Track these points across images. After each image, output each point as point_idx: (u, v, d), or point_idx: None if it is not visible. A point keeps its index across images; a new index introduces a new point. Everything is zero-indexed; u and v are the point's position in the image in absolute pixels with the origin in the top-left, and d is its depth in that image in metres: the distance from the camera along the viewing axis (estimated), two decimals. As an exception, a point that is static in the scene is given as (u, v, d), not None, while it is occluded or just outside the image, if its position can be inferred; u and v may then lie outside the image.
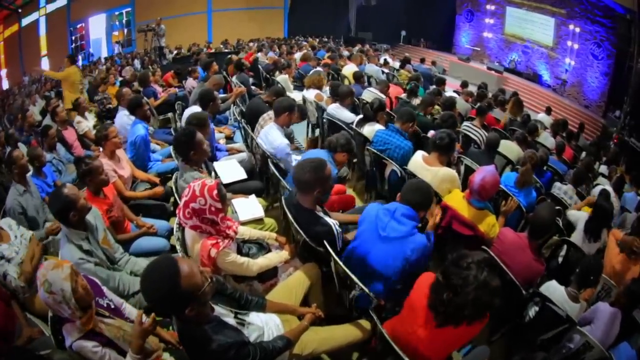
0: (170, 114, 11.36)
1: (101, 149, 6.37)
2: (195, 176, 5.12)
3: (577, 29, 23.92)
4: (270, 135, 6.67)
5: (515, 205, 5.77)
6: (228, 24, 33.35)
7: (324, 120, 8.97)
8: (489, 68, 27.26)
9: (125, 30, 31.14)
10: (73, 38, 28.20)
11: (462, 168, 7.38)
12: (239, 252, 4.46)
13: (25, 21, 25.00)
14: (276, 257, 4.55)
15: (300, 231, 4.36)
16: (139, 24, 27.06)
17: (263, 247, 4.86)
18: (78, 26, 28.45)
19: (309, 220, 4.36)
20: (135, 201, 6.24)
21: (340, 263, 4.01)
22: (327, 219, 4.41)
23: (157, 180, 6.69)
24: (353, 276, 3.85)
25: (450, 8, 32.82)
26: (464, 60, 29.30)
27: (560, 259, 6.18)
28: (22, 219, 5.60)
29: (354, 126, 7.98)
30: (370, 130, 7.53)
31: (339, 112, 8.61)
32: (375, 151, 6.84)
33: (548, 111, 16.79)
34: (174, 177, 5.53)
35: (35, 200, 5.96)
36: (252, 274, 4.28)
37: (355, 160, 8.22)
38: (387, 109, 8.98)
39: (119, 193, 5.81)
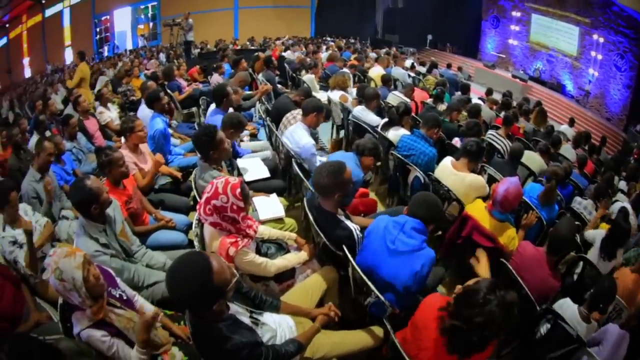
0: (194, 109, 11.36)
1: (123, 141, 6.35)
2: (214, 175, 5.06)
3: (601, 39, 23.61)
4: (296, 134, 6.60)
5: (535, 219, 5.69)
6: (255, 21, 33.66)
7: (349, 122, 8.90)
8: (513, 76, 26.99)
9: (151, 24, 31.73)
10: (97, 30, 28.75)
11: (485, 177, 7.23)
12: (258, 251, 4.43)
13: (49, 12, 25.59)
14: (294, 258, 4.50)
15: (321, 234, 4.33)
16: (165, 18, 27.27)
17: (282, 248, 4.80)
18: (103, 18, 28.97)
19: (329, 223, 4.35)
20: (156, 194, 6.23)
21: (358, 269, 3.95)
22: (348, 223, 4.37)
23: (178, 174, 6.63)
24: (370, 283, 3.80)
25: (477, 13, 32.60)
26: (489, 67, 29.04)
27: (575, 276, 6.06)
28: (36, 203, 5.69)
29: (379, 129, 7.90)
30: (395, 134, 7.46)
31: (365, 114, 8.50)
32: (399, 156, 6.78)
33: (571, 123, 16.61)
34: (193, 173, 5.48)
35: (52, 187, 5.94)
36: (270, 274, 4.23)
37: (378, 164, 8.09)
38: (413, 114, 8.90)
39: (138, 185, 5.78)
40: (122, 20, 30.22)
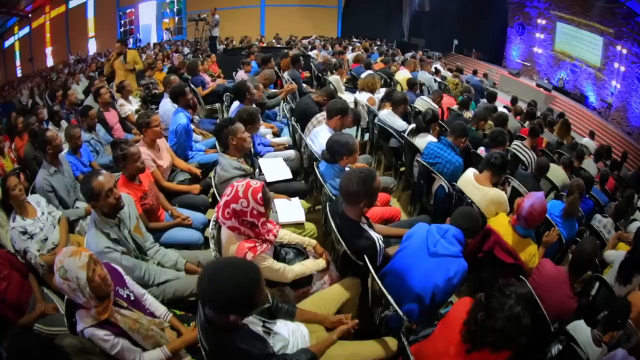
0: (217, 105, 11.34)
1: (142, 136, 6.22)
2: (234, 165, 5.04)
3: (624, 51, 23.27)
4: (320, 136, 6.41)
5: (556, 237, 5.61)
6: (281, 19, 33.95)
7: (375, 125, 8.74)
8: (538, 85, 26.82)
9: (176, 19, 32.53)
10: (122, 22, 29.76)
11: (509, 189, 7.14)
12: (276, 256, 4.32)
13: (73, 3, 26.66)
14: (313, 265, 4.39)
15: (342, 242, 4.23)
16: (190, 14, 27.44)
17: (301, 253, 4.64)
18: (128, 11, 29.99)
19: (352, 232, 4.24)
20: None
21: (378, 281, 3.85)
22: (371, 232, 4.25)
23: (197, 171, 6.56)
24: (389, 297, 3.69)
25: (503, 19, 32.20)
26: (514, 75, 28.82)
27: (590, 297, 5.96)
28: (52, 197, 5.66)
29: (405, 135, 7.72)
30: (422, 141, 7.27)
31: (391, 119, 8.31)
32: (424, 164, 6.63)
33: (592, 135, 16.47)
34: (213, 171, 5.41)
35: (66, 180, 6.00)
36: (287, 280, 4.13)
37: (402, 169, 8.03)
38: (439, 120, 8.72)
39: (156, 182, 5.70)
40: (147, 13, 30.93)
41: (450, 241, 4.02)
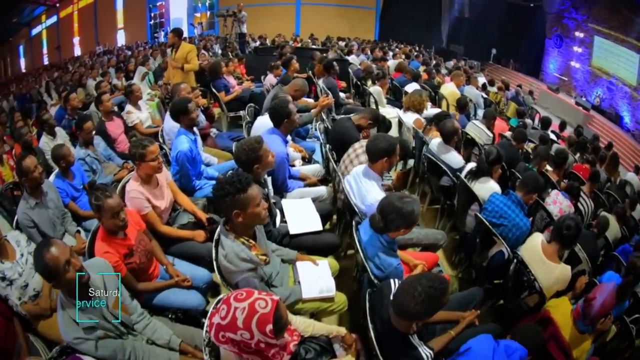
0: (242, 112, 9.81)
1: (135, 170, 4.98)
2: (242, 255, 3.59)
3: (660, 70, 22.66)
4: (362, 185, 5.04)
5: (610, 324, 4.96)
6: (317, 18, 34.02)
7: (423, 156, 7.46)
8: (577, 103, 26.20)
9: (208, 13, 33.28)
10: (152, 15, 30.79)
11: (566, 254, 6.02)
12: (295, 357, 3.26)
13: None
14: (338, 366, 3.42)
15: (380, 356, 3.39)
16: (222, 9, 27.26)
17: (326, 350, 3.60)
18: (158, 4, 30.97)
19: (398, 348, 3.44)
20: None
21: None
22: (421, 349, 3.43)
23: (203, 216, 5.26)
24: None
25: (541, 30, 31.65)
26: (553, 90, 28.31)
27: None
28: (34, 232, 5.03)
29: (462, 176, 6.47)
30: (483, 188, 6.11)
31: (445, 153, 7.02)
32: (486, 222, 5.51)
33: (637, 170, 15.59)
34: (214, 240, 4.05)
35: (51, 212, 5.27)
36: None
37: (447, 202, 6.99)
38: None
39: (150, 228, 4.68)
40: (178, 6, 31.69)
41: None
